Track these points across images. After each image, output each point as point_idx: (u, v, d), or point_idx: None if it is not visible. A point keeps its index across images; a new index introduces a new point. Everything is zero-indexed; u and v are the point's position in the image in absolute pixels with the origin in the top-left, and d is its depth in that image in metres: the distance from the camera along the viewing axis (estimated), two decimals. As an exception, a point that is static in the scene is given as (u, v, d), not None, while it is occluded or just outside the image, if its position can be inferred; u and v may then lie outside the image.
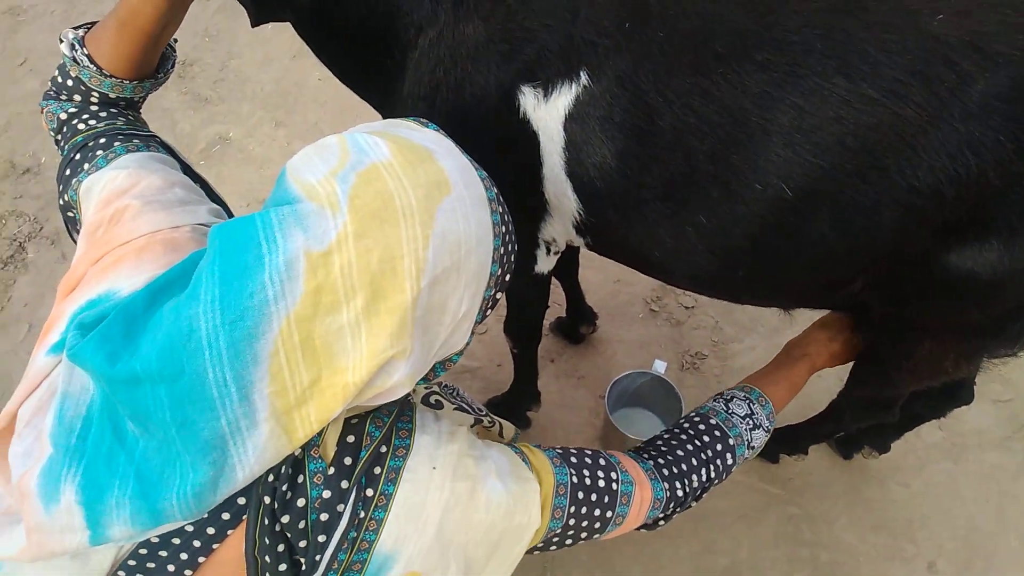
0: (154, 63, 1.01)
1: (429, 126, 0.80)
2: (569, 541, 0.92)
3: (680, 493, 0.99)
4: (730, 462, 1.05)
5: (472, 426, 1.18)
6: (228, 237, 0.66)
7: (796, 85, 0.88)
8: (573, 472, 0.90)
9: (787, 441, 1.78)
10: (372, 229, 0.65)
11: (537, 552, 0.93)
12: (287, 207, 0.66)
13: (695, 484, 1.01)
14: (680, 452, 1.02)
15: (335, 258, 0.64)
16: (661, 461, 1.01)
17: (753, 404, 1.13)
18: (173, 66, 1.07)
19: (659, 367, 1.80)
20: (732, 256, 1.05)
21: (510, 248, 0.81)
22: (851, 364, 1.33)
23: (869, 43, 0.86)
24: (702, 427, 1.07)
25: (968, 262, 0.92)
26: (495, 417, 1.26)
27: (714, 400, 1.13)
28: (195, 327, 0.63)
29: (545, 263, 1.38)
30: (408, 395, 0.87)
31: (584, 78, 0.99)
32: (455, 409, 1.19)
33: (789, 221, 0.96)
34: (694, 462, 1.02)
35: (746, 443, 1.08)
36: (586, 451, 0.96)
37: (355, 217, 0.65)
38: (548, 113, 1.03)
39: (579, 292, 1.98)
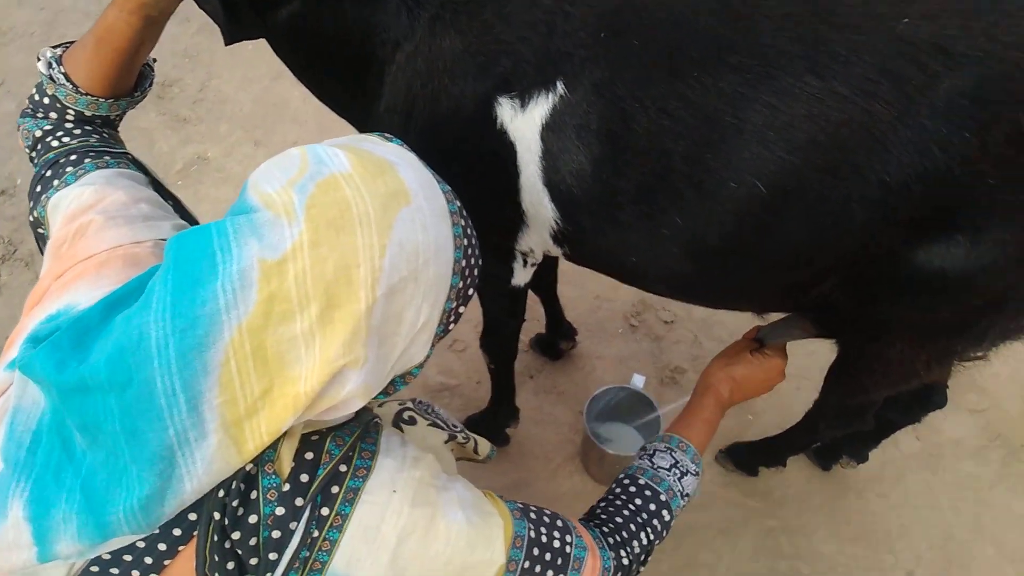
0: (131, 82, 1.02)
1: (393, 140, 0.81)
2: None
3: (625, 562, 0.98)
4: (667, 518, 1.04)
5: (446, 442, 1.18)
6: (183, 247, 0.66)
7: (769, 85, 0.91)
8: (531, 527, 0.89)
9: (765, 453, 1.79)
10: (328, 237, 0.65)
11: None
12: (243, 216, 0.66)
13: (637, 550, 1.00)
14: (619, 519, 1.01)
15: (289, 267, 0.64)
16: (605, 530, 1.00)
17: (675, 452, 1.12)
18: (151, 85, 1.08)
19: (638, 382, 1.80)
20: (707, 257, 1.06)
21: (473, 262, 0.81)
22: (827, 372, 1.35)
23: (839, 44, 0.88)
24: (633, 489, 1.06)
25: (936, 259, 0.94)
26: (470, 434, 1.25)
27: (639, 457, 1.13)
28: (145, 335, 0.63)
29: (522, 275, 1.38)
30: (375, 417, 0.87)
31: (560, 88, 1.01)
32: (429, 425, 1.18)
33: (762, 218, 0.97)
34: (633, 527, 1.01)
35: (678, 493, 1.07)
36: (545, 510, 0.94)
37: (311, 226, 0.65)
38: (525, 123, 1.04)
39: (558, 308, 1.99)
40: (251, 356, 0.65)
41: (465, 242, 0.79)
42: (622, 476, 1.11)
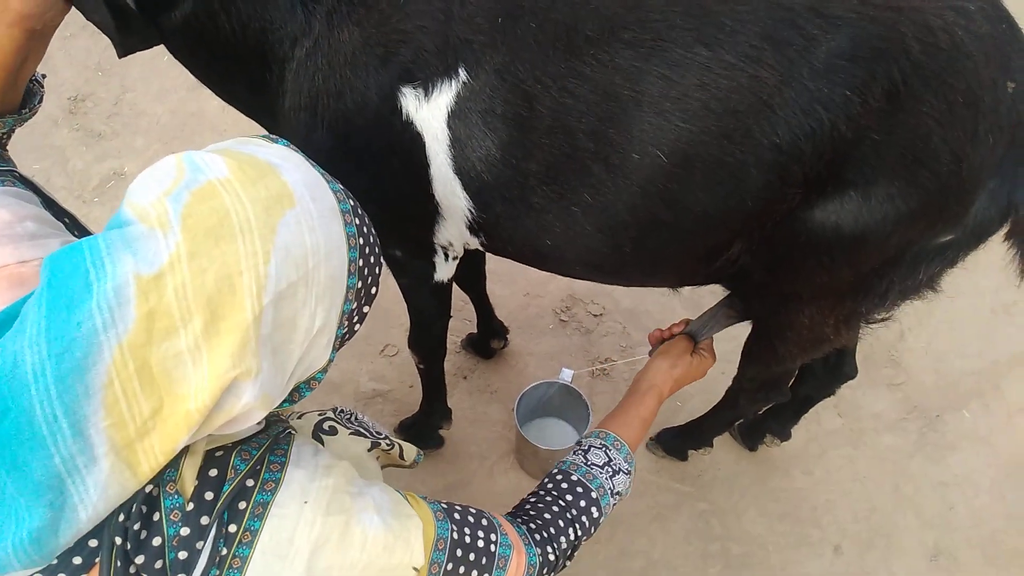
0: (16, 99, 0.97)
1: (279, 142, 0.80)
2: None
3: (552, 558, 0.99)
4: (596, 515, 1.06)
5: (370, 450, 1.17)
6: (55, 266, 0.63)
7: (662, 57, 0.94)
8: (455, 528, 0.88)
9: (692, 436, 1.82)
10: (207, 247, 0.63)
11: None
12: (116, 231, 0.64)
13: (564, 546, 1.01)
14: (547, 515, 1.02)
15: (168, 280, 0.62)
16: (532, 526, 1.01)
17: (610, 450, 1.14)
18: (40, 102, 1.03)
19: (565, 376, 1.82)
20: (618, 232, 1.08)
21: (373, 260, 0.80)
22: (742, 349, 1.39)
23: (724, 15, 0.93)
24: (564, 485, 1.07)
25: (832, 216, 0.99)
26: (395, 439, 1.24)
27: (574, 453, 1.14)
28: (20, 361, 0.60)
29: (444, 270, 1.38)
30: (286, 429, 0.85)
31: (463, 75, 1.02)
32: (351, 434, 1.17)
33: (667, 188, 1.00)
34: (561, 523, 1.01)
35: (609, 491, 1.08)
36: (471, 509, 0.94)
37: (188, 236, 0.63)
38: (431, 113, 1.05)
39: (488, 307, 1.99)
40: (136, 375, 0.63)
41: (361, 241, 0.77)
42: (555, 471, 1.11)
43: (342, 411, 1.22)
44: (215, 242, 0.64)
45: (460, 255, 1.38)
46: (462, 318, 2.11)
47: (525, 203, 1.09)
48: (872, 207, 0.96)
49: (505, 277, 2.22)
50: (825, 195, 0.98)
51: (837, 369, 1.59)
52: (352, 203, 0.79)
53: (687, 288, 1.29)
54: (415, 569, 0.83)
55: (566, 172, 1.03)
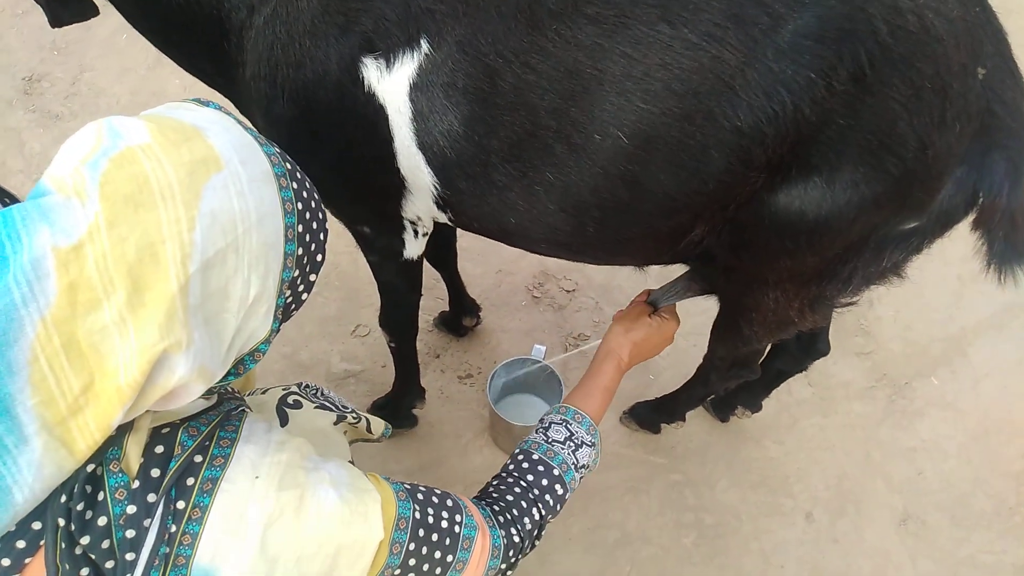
0: None
1: (210, 105, 0.77)
2: None
3: (516, 539, 0.98)
4: (560, 492, 1.05)
5: (336, 424, 1.16)
6: None
7: (624, 35, 0.91)
8: (417, 508, 0.87)
9: (665, 410, 1.83)
10: (126, 216, 0.61)
11: None
12: (31, 202, 0.62)
13: (529, 526, 1.00)
14: (509, 497, 1.01)
15: (88, 251, 0.60)
16: (496, 508, 1.00)
17: (571, 424, 1.13)
18: None
19: (538, 352, 1.82)
20: (581, 212, 1.07)
21: (316, 226, 0.78)
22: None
23: None
24: (526, 465, 1.06)
25: (796, 201, 0.97)
26: (361, 413, 1.23)
27: (535, 431, 1.13)
28: None
29: (414, 247, 1.37)
30: (239, 405, 0.83)
31: (425, 46, 0.99)
32: (316, 408, 1.15)
33: (629, 169, 0.99)
34: (524, 504, 1.01)
35: (572, 466, 1.08)
36: (435, 490, 0.93)
37: (107, 205, 0.61)
38: (393, 84, 1.02)
39: (460, 284, 1.97)
40: (62, 351, 0.61)
41: (299, 205, 0.75)
42: (516, 451, 1.11)
43: (307, 386, 1.21)
44: (134, 209, 0.62)
45: (429, 231, 1.36)
46: (435, 296, 2.10)
47: (488, 180, 1.07)
48: (836, 192, 0.94)
49: (477, 255, 2.20)
50: (789, 179, 0.96)
51: (810, 346, 1.60)
52: (289, 166, 0.77)
53: (657, 267, 1.28)
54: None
55: (528, 150, 1.01)
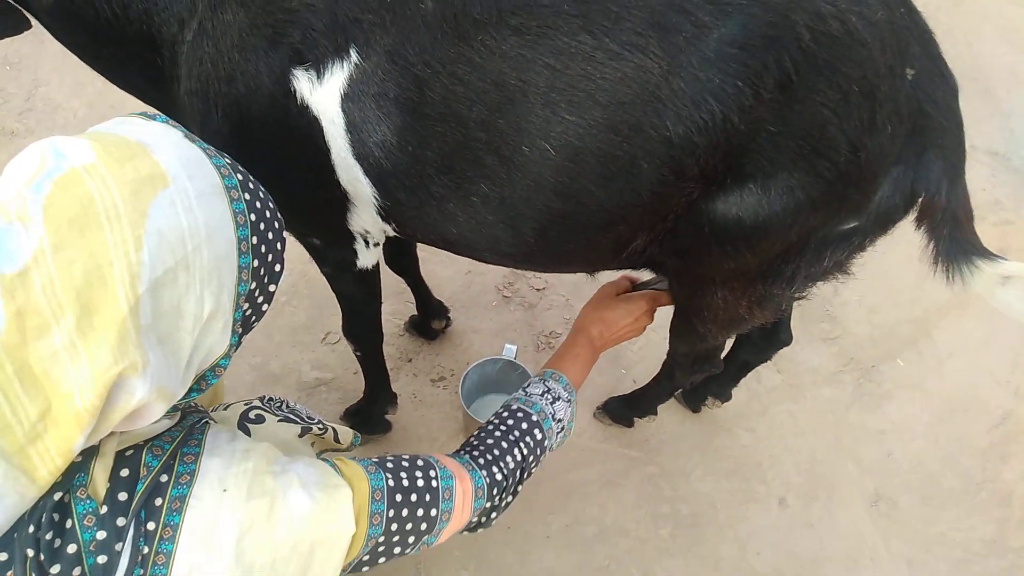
0: None
1: (157, 118, 0.76)
2: (397, 549, 0.90)
3: (499, 476, 1.01)
4: (539, 437, 1.09)
5: (301, 436, 1.15)
6: None
7: (547, 45, 0.91)
8: (389, 476, 0.89)
9: (637, 405, 1.84)
10: (71, 239, 0.61)
11: (365, 567, 0.90)
12: None
13: (511, 465, 1.03)
14: (490, 440, 1.05)
15: (34, 276, 0.60)
16: (475, 453, 1.03)
17: (547, 381, 1.19)
18: None
19: (509, 352, 1.82)
20: (519, 223, 1.06)
21: (270, 237, 0.78)
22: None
23: (612, 1, 0.89)
24: (505, 414, 1.11)
25: (733, 208, 0.97)
26: (328, 423, 1.23)
27: (515, 393, 1.18)
28: None
29: (367, 257, 1.36)
30: (201, 419, 0.83)
31: (354, 56, 0.98)
32: (280, 421, 1.15)
33: (559, 181, 0.98)
34: (504, 445, 1.05)
35: (550, 416, 1.12)
36: (403, 456, 0.95)
37: (51, 228, 0.60)
38: (325, 95, 1.01)
39: (425, 288, 1.97)
40: (16, 377, 0.60)
41: (253, 217, 0.75)
42: (499, 408, 1.15)
43: (271, 399, 1.20)
44: (80, 232, 0.61)
45: (381, 241, 1.35)
46: (405, 301, 2.09)
47: (426, 191, 1.06)
48: (772, 199, 0.95)
49: (445, 256, 2.18)
50: (725, 188, 0.96)
51: (773, 336, 1.61)
52: (240, 177, 0.76)
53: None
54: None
55: (461, 161, 1.01)
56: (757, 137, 0.91)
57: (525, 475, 1.08)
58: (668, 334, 1.43)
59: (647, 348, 2.04)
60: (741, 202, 0.96)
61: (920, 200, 1.00)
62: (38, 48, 2.64)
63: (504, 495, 1.04)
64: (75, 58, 1.16)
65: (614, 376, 2.01)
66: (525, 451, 1.06)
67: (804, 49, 0.87)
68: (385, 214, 1.15)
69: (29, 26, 1.07)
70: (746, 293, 1.14)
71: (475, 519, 1.03)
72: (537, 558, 1.72)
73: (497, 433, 1.07)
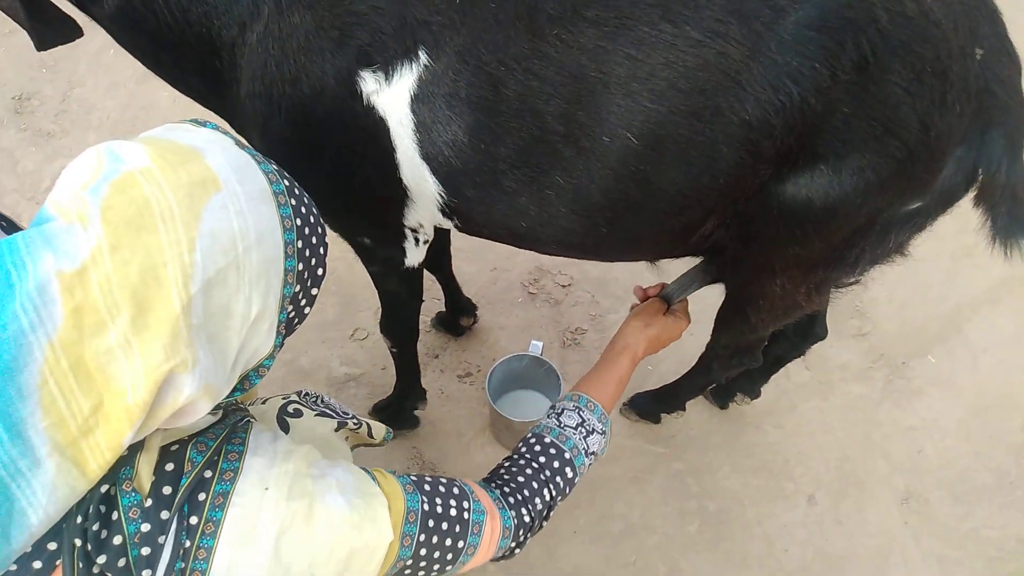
0: None
1: (208, 125, 0.78)
2: (421, 574, 0.91)
3: (527, 519, 1.00)
4: (570, 475, 1.07)
5: (337, 430, 1.17)
6: None
7: (626, 36, 0.92)
8: (425, 500, 0.89)
9: (665, 400, 1.84)
10: (128, 239, 0.62)
11: None
12: (34, 229, 0.63)
13: (539, 507, 1.02)
14: (521, 478, 1.03)
15: (92, 275, 0.61)
16: (507, 489, 1.02)
17: (583, 411, 1.15)
18: None
19: (535, 348, 1.83)
20: (593, 213, 1.08)
21: (314, 241, 0.79)
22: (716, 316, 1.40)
23: None
24: (538, 448, 1.08)
25: (803, 190, 0.98)
26: (362, 418, 1.24)
27: (547, 416, 1.15)
28: None
29: (415, 255, 1.37)
30: (244, 417, 0.85)
31: (424, 57, 0.99)
32: (317, 415, 1.17)
33: (639, 169, 1.00)
34: (535, 485, 1.03)
35: (583, 451, 1.10)
36: (441, 479, 0.95)
37: (108, 229, 0.62)
38: (393, 97, 1.03)
39: (455, 285, 1.99)
40: (71, 373, 0.62)
41: (299, 221, 0.76)
42: (528, 435, 1.13)
43: (307, 394, 1.22)
44: (136, 233, 0.63)
45: (431, 239, 1.36)
46: (431, 297, 2.11)
47: (497, 187, 1.08)
48: (843, 179, 0.96)
49: (471, 253, 2.21)
50: (796, 169, 0.97)
51: (808, 330, 1.61)
52: (287, 183, 0.78)
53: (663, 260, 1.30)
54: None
55: (537, 155, 1.02)
56: (831, 118, 0.92)
57: (551, 512, 1.07)
58: (713, 325, 1.42)
59: (674, 345, 2.03)
60: (811, 183, 0.97)
61: (980, 178, 1.01)
62: (73, 50, 2.69)
63: (528, 534, 1.03)
64: (109, 60, 1.18)
65: (641, 372, 2.01)
66: (554, 492, 1.04)
67: (881, 30, 0.88)
68: (449, 210, 1.16)
69: (81, 34, 1.09)
70: (806, 279, 1.15)
71: (498, 555, 1.02)
72: (564, 553, 1.74)
73: (528, 471, 1.05)
